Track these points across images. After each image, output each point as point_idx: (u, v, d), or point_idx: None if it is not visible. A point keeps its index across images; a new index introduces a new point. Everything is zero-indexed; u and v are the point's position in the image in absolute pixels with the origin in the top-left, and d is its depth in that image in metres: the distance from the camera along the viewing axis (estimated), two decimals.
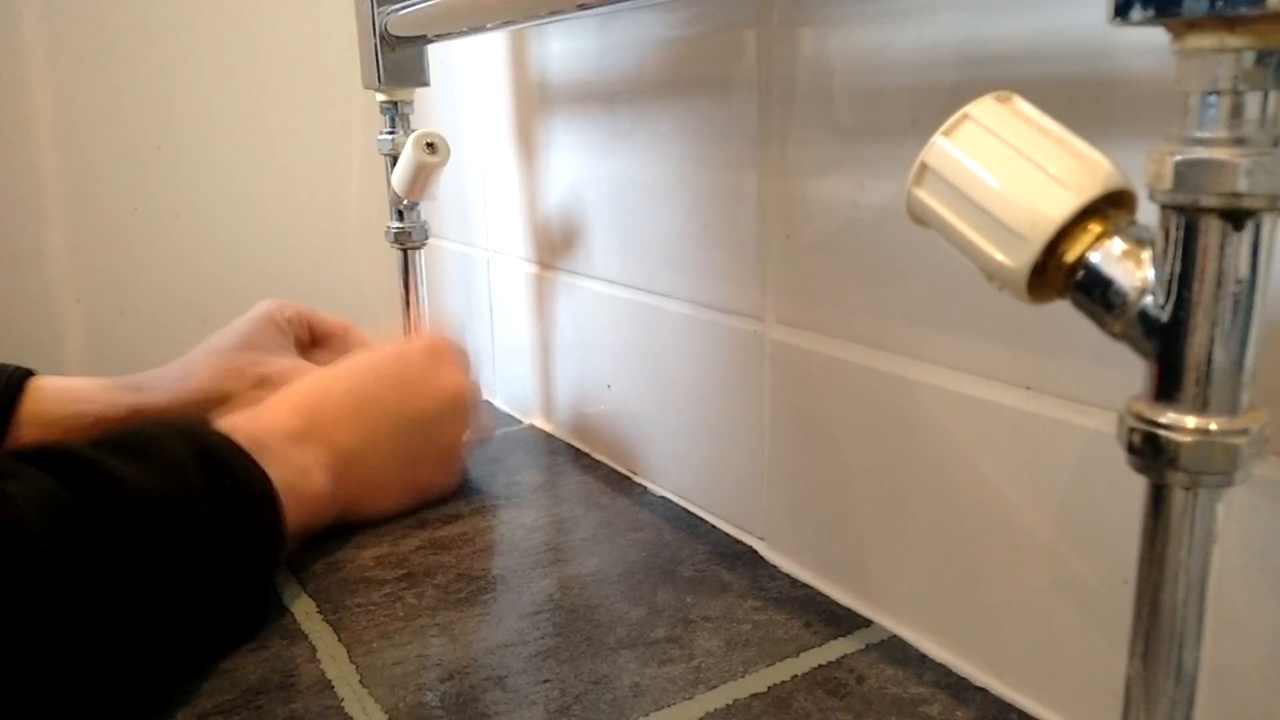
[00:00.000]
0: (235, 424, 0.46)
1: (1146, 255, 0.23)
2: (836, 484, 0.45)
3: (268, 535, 0.44)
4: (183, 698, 0.39)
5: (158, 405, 0.53)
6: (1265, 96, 0.20)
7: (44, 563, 0.34)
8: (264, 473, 0.44)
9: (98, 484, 0.37)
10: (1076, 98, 0.33)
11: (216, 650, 0.42)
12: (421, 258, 0.69)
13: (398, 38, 0.63)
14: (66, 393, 0.54)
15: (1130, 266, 0.23)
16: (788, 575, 0.48)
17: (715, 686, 0.39)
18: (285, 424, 0.48)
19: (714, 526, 0.54)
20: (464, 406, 0.54)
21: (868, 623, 0.44)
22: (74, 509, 0.36)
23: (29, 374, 0.54)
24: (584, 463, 0.65)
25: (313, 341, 0.61)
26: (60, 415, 0.52)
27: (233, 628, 0.43)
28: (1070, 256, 0.24)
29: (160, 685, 0.39)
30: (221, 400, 0.54)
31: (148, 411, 0.51)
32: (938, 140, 0.26)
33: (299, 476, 0.47)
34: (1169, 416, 0.22)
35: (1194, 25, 0.20)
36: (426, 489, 0.56)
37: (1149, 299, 0.23)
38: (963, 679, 0.39)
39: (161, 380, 0.57)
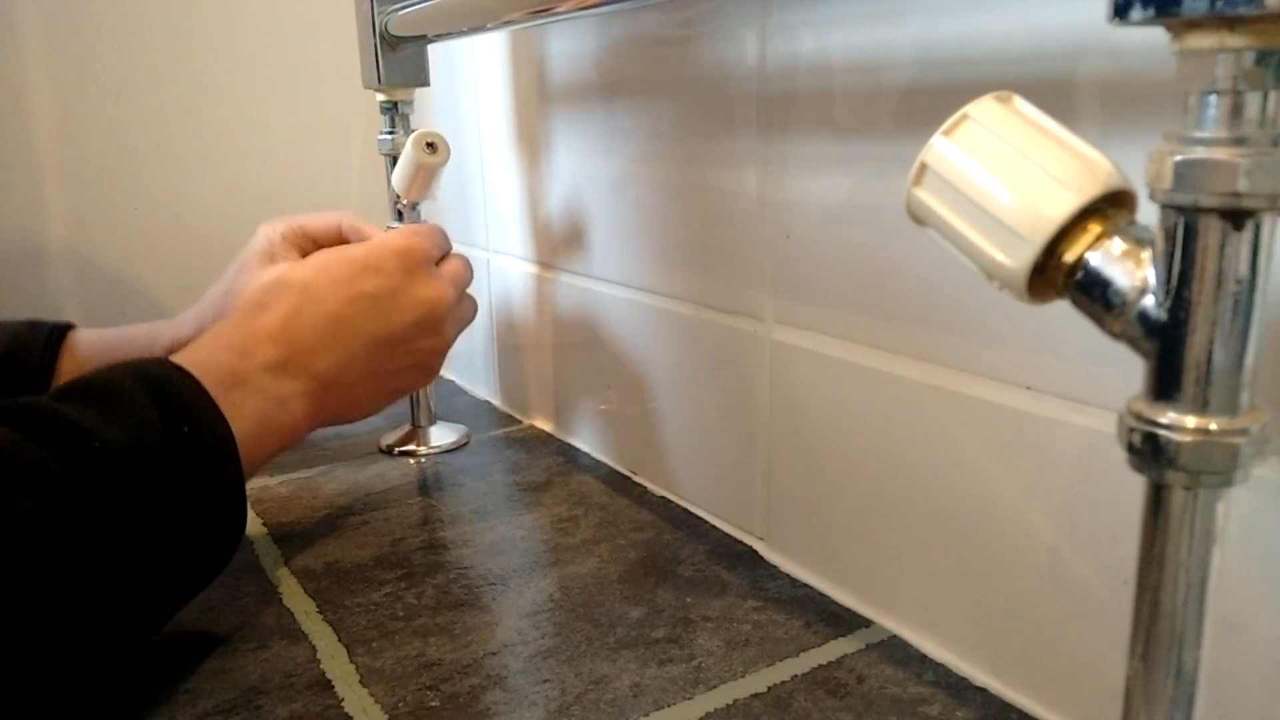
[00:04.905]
0: (214, 356, 0.45)
1: (1146, 255, 0.23)
2: (836, 484, 0.45)
3: (229, 484, 0.42)
4: (183, 698, 0.40)
5: (189, 340, 0.53)
6: (1265, 96, 0.20)
7: (10, 518, 0.33)
8: (225, 421, 0.43)
9: (62, 435, 0.37)
10: (1075, 97, 0.33)
11: (176, 604, 0.42)
12: None
13: (398, 38, 0.63)
14: (105, 340, 0.55)
15: (1130, 266, 0.23)
16: (788, 575, 0.48)
17: (715, 686, 0.39)
18: (264, 354, 0.47)
19: (714, 526, 0.54)
20: (440, 316, 0.54)
21: (868, 623, 0.44)
22: (41, 462, 0.35)
23: (69, 327, 0.54)
24: (584, 463, 0.65)
25: (316, 248, 0.61)
26: (102, 364, 0.52)
27: (196, 577, 0.42)
28: (1070, 256, 0.24)
29: (121, 641, 0.39)
30: None
31: (181, 346, 0.51)
32: (937, 140, 0.26)
33: (275, 408, 0.46)
34: (1169, 416, 0.22)
35: (1194, 25, 0.20)
36: (403, 392, 0.56)
37: (1149, 299, 0.23)
38: (963, 679, 0.39)
39: (185, 319, 0.58)
